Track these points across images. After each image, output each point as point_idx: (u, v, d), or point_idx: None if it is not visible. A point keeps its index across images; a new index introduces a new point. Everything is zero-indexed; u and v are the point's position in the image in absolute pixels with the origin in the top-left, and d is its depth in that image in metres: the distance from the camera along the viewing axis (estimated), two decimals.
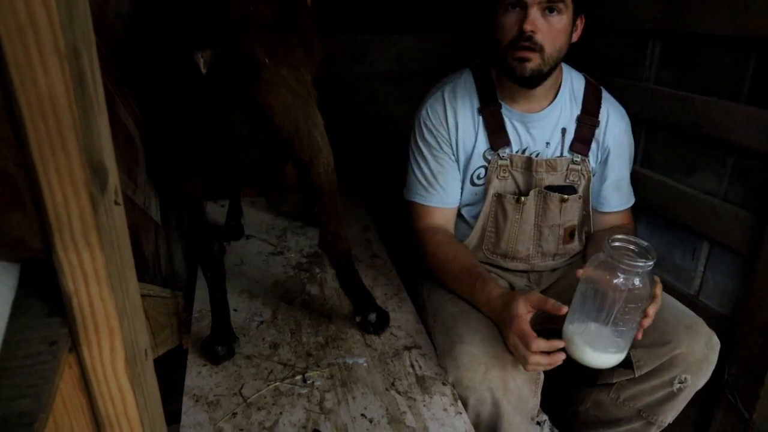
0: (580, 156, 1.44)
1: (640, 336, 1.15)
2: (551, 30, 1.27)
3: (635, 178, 1.76)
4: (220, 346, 1.23)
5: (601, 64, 1.92)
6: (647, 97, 1.70)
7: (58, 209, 0.49)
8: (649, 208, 1.76)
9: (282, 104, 1.03)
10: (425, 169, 1.46)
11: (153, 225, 1.17)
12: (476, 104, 1.43)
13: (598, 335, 1.13)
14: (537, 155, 1.43)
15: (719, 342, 1.28)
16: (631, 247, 1.11)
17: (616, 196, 1.53)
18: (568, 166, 1.43)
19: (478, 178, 1.45)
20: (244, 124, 1.05)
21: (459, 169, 1.46)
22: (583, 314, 1.15)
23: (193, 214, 1.19)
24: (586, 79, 1.50)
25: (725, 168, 1.50)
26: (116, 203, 0.61)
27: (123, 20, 1.06)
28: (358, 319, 1.33)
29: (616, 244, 1.11)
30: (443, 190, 1.45)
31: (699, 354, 1.24)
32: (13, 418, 0.45)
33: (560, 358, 1.11)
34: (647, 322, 1.13)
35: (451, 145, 1.45)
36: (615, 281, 1.08)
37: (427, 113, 1.46)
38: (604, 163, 1.49)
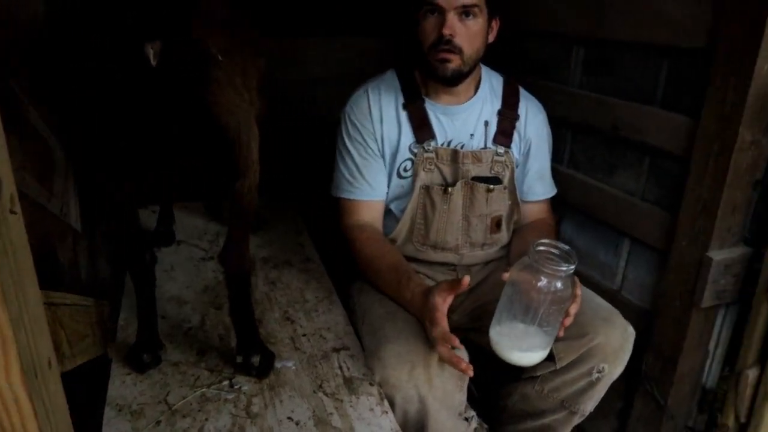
0: (503, 148, 1.50)
1: (561, 334, 1.21)
2: (468, 33, 1.35)
3: (562, 178, 1.83)
4: (145, 353, 1.20)
5: (531, 67, 1.98)
6: (572, 100, 1.77)
7: None
8: (574, 207, 1.83)
9: (229, 104, 1.00)
10: (350, 164, 1.49)
11: (71, 232, 1.14)
12: (401, 100, 1.48)
13: (524, 335, 1.18)
14: (462, 147, 1.48)
15: (634, 332, 1.35)
16: (555, 251, 1.16)
17: (540, 185, 1.61)
18: (493, 158, 1.49)
19: (405, 170, 1.49)
20: (188, 124, 0.99)
21: (385, 163, 1.49)
22: (510, 316, 1.19)
23: (124, 222, 1.14)
24: (504, 78, 1.59)
25: (642, 168, 1.58)
26: (12, 212, 0.59)
27: (37, 23, 1.03)
28: (239, 359, 1.19)
29: (540, 248, 1.16)
30: (369, 185, 1.48)
31: (615, 344, 1.30)
32: None
33: (464, 366, 1.14)
34: (569, 321, 1.19)
35: (375, 139, 1.48)
36: (539, 284, 1.13)
37: (352, 108, 1.50)
38: (526, 154, 1.57)
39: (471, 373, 1.16)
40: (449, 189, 1.46)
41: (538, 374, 1.39)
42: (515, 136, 1.53)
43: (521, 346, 1.18)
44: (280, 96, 2.40)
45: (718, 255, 1.32)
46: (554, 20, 1.82)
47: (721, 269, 1.32)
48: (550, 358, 1.33)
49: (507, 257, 1.60)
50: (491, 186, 1.47)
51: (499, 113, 1.52)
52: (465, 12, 1.33)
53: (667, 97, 1.48)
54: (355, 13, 2.51)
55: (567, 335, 1.30)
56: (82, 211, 1.23)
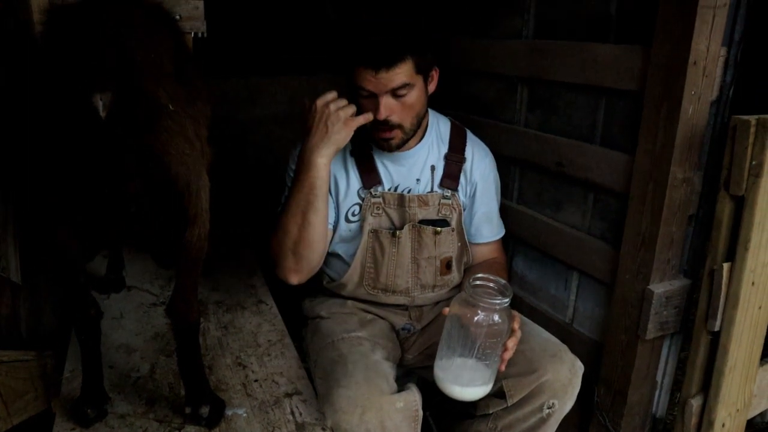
0: (449, 191, 1.53)
1: (503, 368, 1.24)
2: (404, 107, 1.38)
3: (512, 214, 1.87)
4: (90, 408, 1.17)
5: (477, 106, 2.05)
6: (518, 138, 1.83)
7: None
8: (524, 242, 1.88)
9: (179, 154, 0.99)
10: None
11: (9, 286, 1.11)
12: (348, 147, 1.49)
13: (464, 369, 1.20)
14: (409, 191, 1.51)
15: (583, 367, 1.37)
16: (491, 285, 1.20)
17: (487, 227, 1.62)
18: (440, 201, 1.52)
19: (353, 215, 1.51)
20: (137, 173, 0.98)
21: (335, 207, 1.52)
22: (450, 351, 1.22)
23: (69, 274, 1.12)
24: (451, 122, 1.62)
25: (587, 204, 1.63)
26: None
27: None
28: (188, 410, 1.16)
29: (477, 283, 1.19)
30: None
31: (564, 379, 1.33)
32: None
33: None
34: (508, 355, 1.22)
35: None
36: (476, 318, 1.16)
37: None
38: (472, 197, 1.59)
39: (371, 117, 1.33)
40: (397, 232, 1.48)
41: (491, 412, 1.40)
42: (462, 179, 1.56)
43: (462, 381, 1.21)
44: (237, 134, 2.44)
45: (658, 287, 1.37)
46: (498, 62, 1.89)
47: (663, 301, 1.37)
48: (501, 394, 1.35)
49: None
50: (438, 228, 1.50)
51: (446, 157, 1.55)
52: (397, 92, 1.35)
53: (606, 135, 1.55)
54: (313, 53, 2.56)
55: (516, 371, 1.32)
56: (22, 262, 1.20)
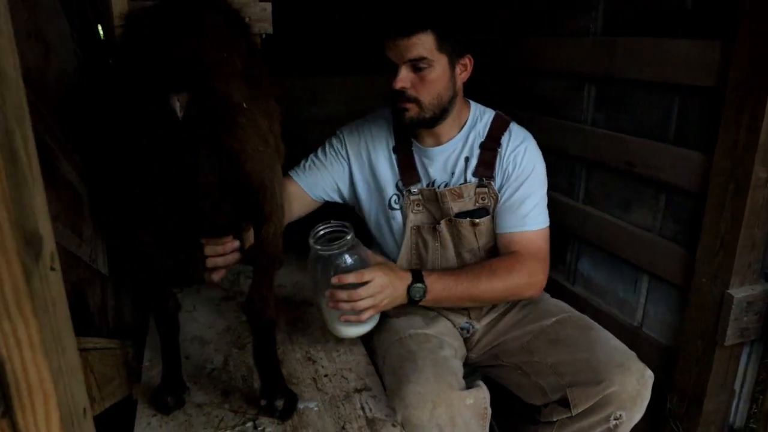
0: (484, 179, 1.51)
1: (365, 316, 1.29)
2: (423, 83, 1.40)
3: (577, 214, 1.84)
4: (169, 396, 1.22)
5: (542, 105, 2.02)
6: (585, 137, 1.80)
7: None
8: (590, 243, 1.84)
9: (254, 151, 1.01)
10: (313, 157, 1.64)
11: (99, 278, 1.17)
12: (391, 143, 1.57)
13: (329, 310, 1.32)
14: (446, 185, 1.52)
15: (653, 376, 1.31)
16: (327, 230, 1.35)
17: (509, 217, 1.50)
18: (475, 190, 1.50)
19: (395, 203, 1.57)
20: (212, 171, 1.00)
21: (373, 195, 1.60)
22: (322, 296, 1.33)
23: (148, 268, 1.15)
24: (496, 114, 1.59)
25: (658, 204, 1.59)
26: (52, 269, 0.62)
27: (68, 78, 1.08)
28: (263, 402, 1.21)
29: (320, 231, 1.35)
30: (312, 178, 1.61)
31: (632, 391, 1.27)
32: None
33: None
34: (355, 300, 1.27)
35: (349, 165, 1.61)
36: (319, 266, 1.31)
37: (345, 133, 1.63)
38: (503, 185, 1.52)
39: None
40: (437, 227, 1.51)
41: (555, 419, 1.37)
42: (496, 166, 1.51)
43: (331, 320, 1.33)
44: (298, 134, 2.48)
45: (739, 292, 1.32)
46: (565, 60, 1.86)
47: (743, 306, 1.32)
48: (565, 403, 1.32)
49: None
50: (476, 220, 1.49)
51: (481, 146, 1.53)
52: (415, 65, 1.38)
53: (679, 133, 1.50)
54: (365, 52, 2.58)
55: (581, 381, 1.30)
56: (107, 254, 1.26)
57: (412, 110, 1.42)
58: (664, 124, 1.53)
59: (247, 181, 1.03)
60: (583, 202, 1.88)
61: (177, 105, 0.90)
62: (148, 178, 1.03)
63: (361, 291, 1.25)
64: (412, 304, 1.38)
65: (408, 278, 1.35)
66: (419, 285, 1.34)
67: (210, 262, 1.22)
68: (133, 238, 1.12)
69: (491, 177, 1.51)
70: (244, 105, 0.98)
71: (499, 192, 1.52)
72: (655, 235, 1.59)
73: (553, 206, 1.84)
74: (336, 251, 1.29)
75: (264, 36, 1.62)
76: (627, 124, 1.66)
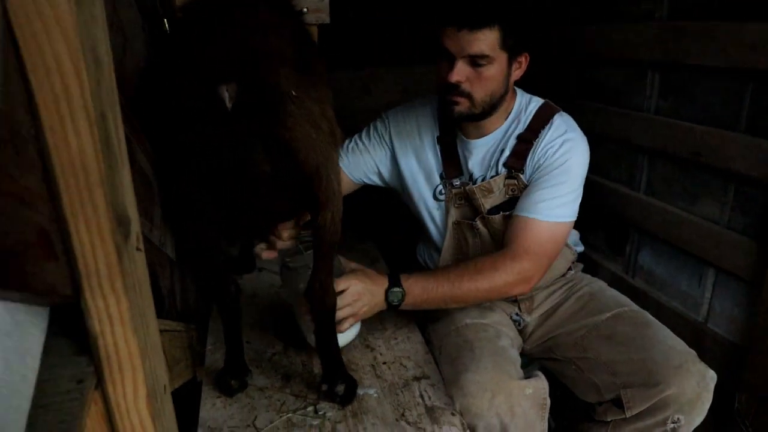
0: (513, 170, 1.45)
1: (344, 327, 1.27)
2: (479, 78, 1.35)
3: (638, 205, 1.79)
4: (233, 379, 1.25)
5: (602, 93, 1.97)
6: (648, 126, 1.75)
7: (87, 258, 0.53)
8: (652, 234, 1.79)
9: (307, 139, 1.00)
10: (356, 139, 1.63)
11: (168, 261, 1.21)
12: (436, 132, 1.54)
13: (306, 322, 1.30)
14: (483, 179, 1.49)
15: (715, 376, 1.25)
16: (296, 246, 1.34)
17: (521, 199, 1.43)
18: (504, 182, 1.46)
19: (440, 194, 1.55)
20: (265, 160, 1.01)
21: (418, 183, 1.57)
22: (293, 304, 1.36)
23: (209, 256, 1.18)
24: (543, 103, 1.51)
25: (727, 196, 1.53)
26: (138, 249, 0.65)
27: (140, 69, 1.11)
28: (324, 387, 1.22)
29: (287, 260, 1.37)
30: (354, 160, 1.61)
31: (691, 394, 1.22)
32: None
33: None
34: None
35: (392, 150, 1.59)
36: (291, 277, 1.34)
37: (390, 118, 1.60)
38: (533, 175, 1.45)
39: None
40: (474, 223, 1.49)
41: (609, 420, 1.33)
42: (528, 158, 1.44)
43: (312, 332, 1.26)
44: (352, 125, 2.50)
45: None
46: (626, 47, 1.80)
47: None
48: (619, 404, 1.29)
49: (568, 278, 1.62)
50: (507, 212, 1.45)
51: (518, 137, 1.46)
52: (475, 60, 1.33)
53: (752, 122, 1.44)
54: (419, 42, 2.58)
55: (636, 382, 1.26)
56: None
57: (463, 105, 1.38)
58: (735, 112, 1.47)
59: (300, 169, 1.03)
60: (645, 193, 1.82)
61: (226, 95, 0.91)
62: (204, 168, 1.05)
63: (338, 300, 1.19)
64: (392, 310, 1.32)
65: (385, 283, 1.30)
66: (397, 289, 1.29)
67: (267, 243, 1.27)
68: (193, 226, 1.15)
69: (521, 169, 1.44)
70: (294, 93, 0.97)
71: (528, 183, 1.45)
72: (722, 228, 1.54)
73: (612, 197, 1.80)
74: (304, 263, 1.26)
75: (319, 26, 1.63)
76: (693, 112, 1.61)
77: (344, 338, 1.33)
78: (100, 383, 0.59)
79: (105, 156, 0.53)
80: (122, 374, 0.60)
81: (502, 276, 1.31)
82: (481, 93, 1.37)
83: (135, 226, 0.64)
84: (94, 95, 0.50)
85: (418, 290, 1.30)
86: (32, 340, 0.53)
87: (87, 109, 0.49)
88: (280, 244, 1.27)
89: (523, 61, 1.43)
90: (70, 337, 0.60)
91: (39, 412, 0.52)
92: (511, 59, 1.38)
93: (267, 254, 1.28)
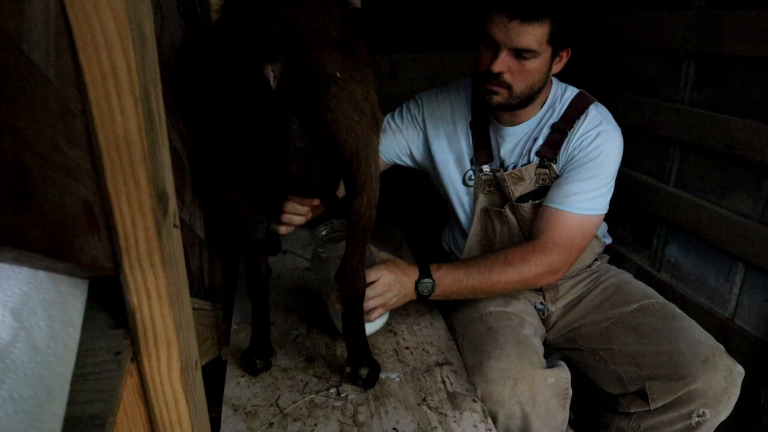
0: (546, 159, 1.43)
1: (373, 316, 1.28)
2: (522, 71, 1.33)
3: (667, 198, 1.77)
4: (258, 358, 1.27)
5: (633, 83, 1.93)
6: (680, 118, 1.71)
7: (127, 233, 0.55)
8: (680, 228, 1.76)
9: (348, 121, 1.00)
10: (389, 119, 1.62)
11: (198, 241, 1.22)
12: (468, 117, 1.53)
13: (335, 310, 1.30)
14: (514, 166, 1.48)
15: (743, 372, 1.24)
16: (328, 230, 1.37)
17: (552, 190, 1.42)
18: (536, 170, 1.45)
19: (470, 179, 1.55)
20: (300, 136, 1.02)
21: (448, 166, 1.57)
22: (323, 291, 1.37)
23: (243, 234, 1.19)
24: (579, 92, 1.49)
25: (761, 190, 1.50)
26: (175, 226, 0.66)
27: (176, 48, 1.12)
28: (348, 369, 1.24)
29: (321, 232, 1.37)
30: (386, 141, 1.59)
31: (717, 389, 1.21)
32: (86, 420, 0.50)
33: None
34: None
35: (425, 132, 1.58)
36: (323, 266, 1.32)
37: (423, 100, 1.59)
38: (564, 167, 1.45)
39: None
40: (503, 210, 1.49)
41: (633, 411, 1.33)
42: (562, 148, 1.43)
43: (341, 320, 1.27)
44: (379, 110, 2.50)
45: None
46: (661, 36, 1.77)
47: None
48: (644, 396, 1.28)
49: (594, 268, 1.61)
50: (537, 201, 1.44)
51: (552, 126, 1.45)
52: (519, 53, 1.31)
53: None
54: (447, 29, 2.56)
55: (661, 375, 1.25)
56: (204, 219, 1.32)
57: (502, 95, 1.37)
58: None
59: (340, 151, 1.03)
60: (675, 186, 1.79)
61: (271, 75, 0.92)
62: (244, 148, 1.06)
63: (368, 291, 1.21)
64: (421, 300, 1.34)
65: (415, 274, 1.30)
66: (427, 280, 1.30)
67: (285, 218, 1.28)
68: (230, 203, 1.16)
69: (553, 159, 1.43)
70: (338, 75, 0.97)
71: (560, 173, 1.44)
72: (755, 222, 1.51)
73: (640, 189, 1.77)
74: (336, 253, 1.26)
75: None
76: (728, 103, 1.57)
77: (372, 327, 1.34)
78: (135, 356, 0.60)
79: (148, 132, 0.53)
80: (157, 348, 0.61)
81: (532, 268, 1.32)
82: (521, 85, 1.36)
83: (172, 203, 0.65)
84: (139, 72, 0.50)
85: (449, 281, 1.30)
86: (74, 311, 0.54)
87: (132, 85, 0.49)
88: (297, 220, 1.28)
89: (564, 55, 1.41)
90: (108, 309, 0.61)
91: (78, 381, 0.53)
92: (555, 54, 1.37)
93: (283, 229, 1.31)
